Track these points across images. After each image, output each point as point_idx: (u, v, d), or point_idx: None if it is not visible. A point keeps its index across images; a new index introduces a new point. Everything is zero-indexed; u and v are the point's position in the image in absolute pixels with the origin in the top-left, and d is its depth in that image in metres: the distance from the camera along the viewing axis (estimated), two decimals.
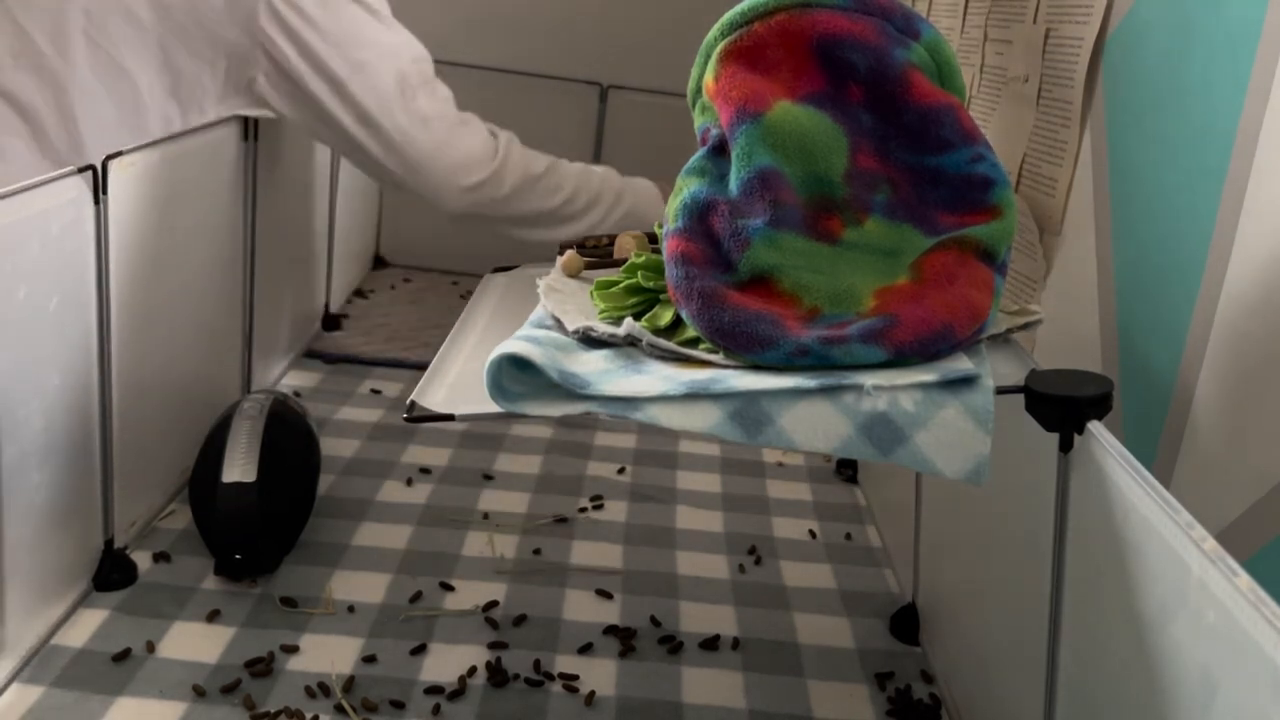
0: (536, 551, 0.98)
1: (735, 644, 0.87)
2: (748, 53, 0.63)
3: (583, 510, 1.07)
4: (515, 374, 0.54)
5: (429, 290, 1.72)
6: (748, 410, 0.53)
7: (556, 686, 0.80)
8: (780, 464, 1.21)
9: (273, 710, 0.74)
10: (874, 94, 0.62)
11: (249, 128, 1.10)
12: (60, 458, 0.78)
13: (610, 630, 0.87)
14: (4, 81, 1.00)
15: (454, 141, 1.20)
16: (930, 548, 0.89)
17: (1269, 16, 0.56)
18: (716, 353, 0.57)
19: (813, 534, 1.06)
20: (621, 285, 0.66)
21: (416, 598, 0.89)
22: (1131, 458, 0.48)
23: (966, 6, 1.04)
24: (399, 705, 0.76)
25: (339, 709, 0.75)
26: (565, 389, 0.54)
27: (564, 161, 1.28)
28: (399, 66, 1.15)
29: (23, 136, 1.01)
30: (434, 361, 0.66)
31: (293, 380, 1.32)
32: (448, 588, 0.91)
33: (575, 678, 0.81)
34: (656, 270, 0.64)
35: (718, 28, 0.65)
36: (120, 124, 1.04)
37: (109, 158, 0.80)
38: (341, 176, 1.48)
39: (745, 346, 0.56)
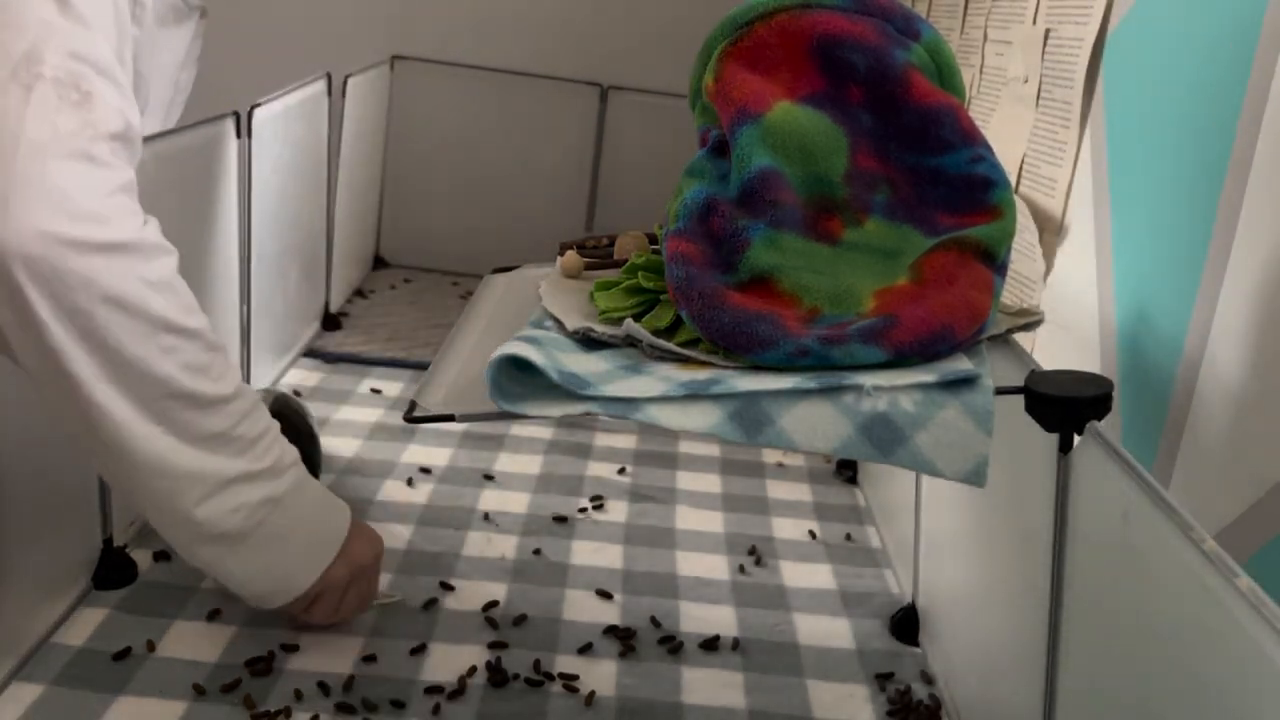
0: (536, 552, 0.98)
1: (735, 644, 0.87)
2: (748, 53, 0.63)
3: (583, 510, 1.07)
4: (515, 374, 0.54)
5: (429, 290, 1.72)
6: (748, 411, 0.53)
7: (556, 686, 0.80)
8: (780, 464, 1.21)
9: (273, 710, 0.74)
10: (874, 94, 0.62)
11: (240, 125, 1.10)
12: (60, 457, 0.78)
13: (610, 630, 0.87)
14: None
15: (67, 168, 0.68)
16: (930, 548, 0.89)
17: (1269, 16, 0.56)
18: (716, 353, 0.57)
19: (813, 534, 1.06)
20: (621, 286, 0.66)
21: (387, 601, 0.89)
22: (1131, 458, 0.48)
23: (966, 7, 1.04)
24: (399, 705, 0.76)
25: (339, 709, 0.75)
26: (565, 389, 0.54)
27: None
28: (28, 49, 0.70)
29: None
30: (434, 361, 0.66)
31: (293, 380, 1.32)
32: (448, 588, 0.91)
33: (575, 678, 0.81)
34: (656, 271, 0.64)
35: (718, 28, 0.65)
36: None
37: None
38: (341, 177, 1.48)
39: (745, 347, 0.56)
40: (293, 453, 0.78)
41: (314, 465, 1.00)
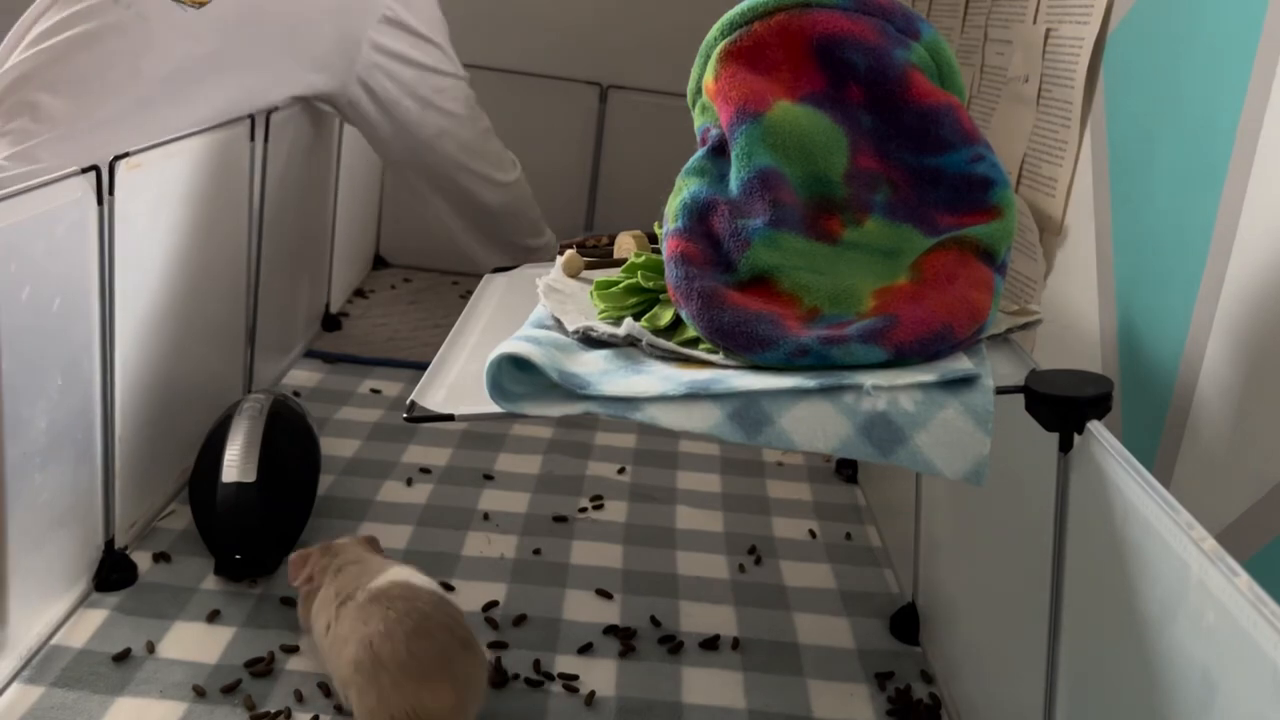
0: (537, 551, 0.98)
1: (735, 644, 0.87)
2: (747, 53, 0.63)
3: (583, 510, 1.07)
4: (515, 374, 0.54)
5: (429, 290, 1.72)
6: (748, 410, 0.53)
7: (556, 686, 0.80)
8: (780, 464, 1.21)
9: (273, 710, 0.74)
10: (874, 94, 0.62)
11: (256, 128, 1.10)
12: (62, 458, 0.78)
13: (610, 630, 0.87)
14: None
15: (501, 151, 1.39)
16: (930, 548, 0.89)
17: (1269, 16, 0.56)
18: (716, 353, 0.57)
19: (813, 534, 1.06)
20: (621, 285, 0.66)
21: None
22: (1131, 458, 0.48)
23: (966, 6, 1.04)
24: None
25: (339, 709, 0.75)
26: (565, 389, 0.54)
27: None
28: (466, 91, 1.36)
29: None
30: (434, 361, 0.66)
31: (293, 380, 1.32)
32: (448, 588, 0.91)
33: (575, 678, 0.81)
34: (656, 270, 0.64)
35: (717, 28, 0.65)
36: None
37: (116, 158, 0.80)
38: (343, 177, 1.49)
39: (745, 347, 0.56)
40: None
41: (314, 465, 1.00)
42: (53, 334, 0.75)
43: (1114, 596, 0.49)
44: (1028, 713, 0.61)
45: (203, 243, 1.03)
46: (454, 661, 0.69)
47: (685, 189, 0.62)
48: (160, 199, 0.91)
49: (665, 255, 0.61)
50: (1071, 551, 0.55)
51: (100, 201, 0.79)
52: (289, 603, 0.86)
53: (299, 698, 0.76)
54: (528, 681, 0.80)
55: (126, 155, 0.82)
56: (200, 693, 0.75)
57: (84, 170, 0.77)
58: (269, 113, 1.13)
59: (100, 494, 0.85)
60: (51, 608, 0.80)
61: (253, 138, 1.10)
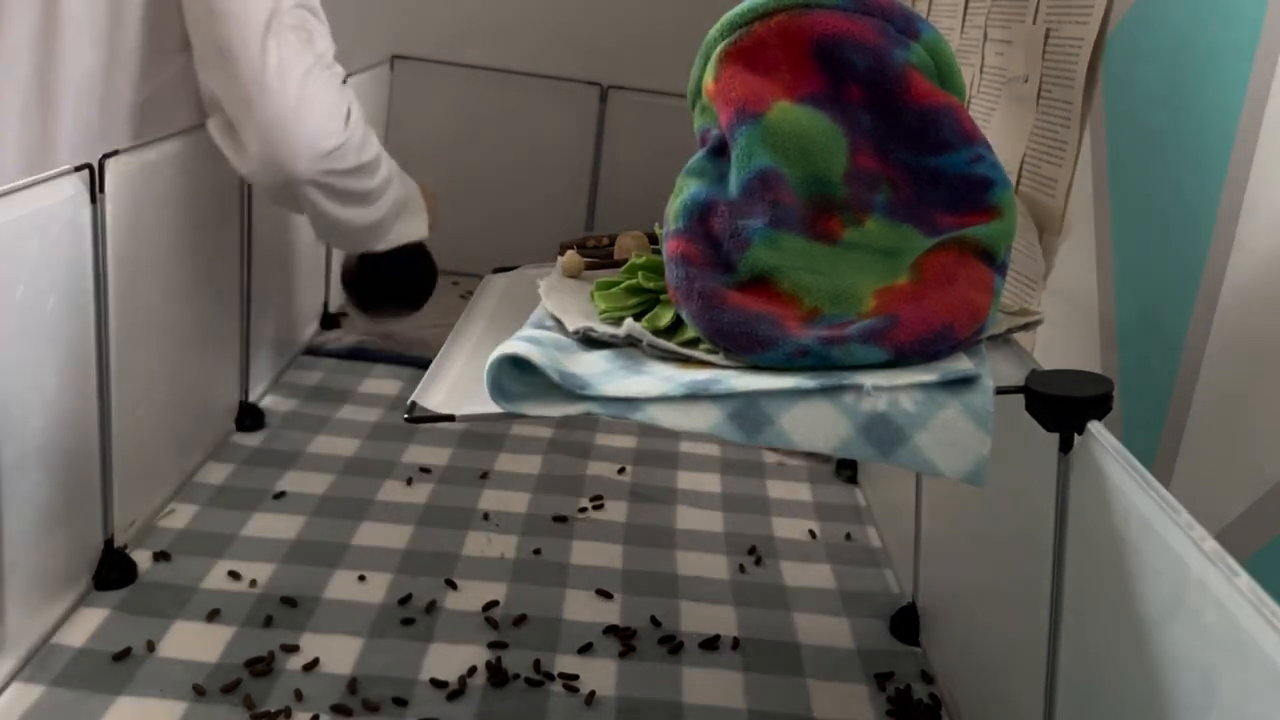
0: (537, 551, 0.98)
1: (735, 644, 0.87)
2: (747, 53, 0.63)
3: (583, 510, 1.07)
4: (515, 374, 0.54)
5: None
6: (748, 411, 0.53)
7: (556, 686, 0.80)
8: (780, 464, 1.21)
9: (273, 710, 0.74)
10: (873, 94, 0.62)
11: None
12: (59, 457, 0.78)
13: (610, 630, 0.87)
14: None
15: (317, 99, 1.03)
16: (930, 548, 0.89)
17: (1269, 16, 0.56)
18: (716, 353, 0.57)
19: (813, 534, 1.06)
20: (622, 286, 0.66)
21: (406, 600, 0.89)
22: (1131, 458, 0.48)
23: (966, 6, 1.04)
24: (400, 704, 0.76)
25: (339, 709, 0.75)
26: (565, 389, 0.54)
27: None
28: (275, 2, 1.02)
29: None
30: (434, 362, 0.66)
31: (292, 379, 1.32)
32: (450, 586, 0.91)
33: (575, 677, 0.81)
34: (656, 271, 0.64)
35: (717, 28, 0.65)
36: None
37: (106, 156, 0.80)
38: None
39: (745, 347, 0.56)
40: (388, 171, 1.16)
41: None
42: (48, 333, 0.75)
43: (1114, 596, 0.49)
44: (1028, 713, 0.61)
45: (197, 240, 1.02)
46: None
47: (685, 190, 0.62)
48: (152, 196, 0.91)
49: (665, 256, 0.61)
50: (1071, 551, 0.55)
51: (93, 200, 0.79)
52: (289, 602, 0.86)
53: (299, 697, 0.76)
54: (528, 681, 0.80)
55: (116, 153, 0.82)
56: (200, 692, 0.75)
57: (76, 169, 0.77)
58: None
59: (99, 493, 0.85)
60: (51, 607, 0.80)
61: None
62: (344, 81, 1.07)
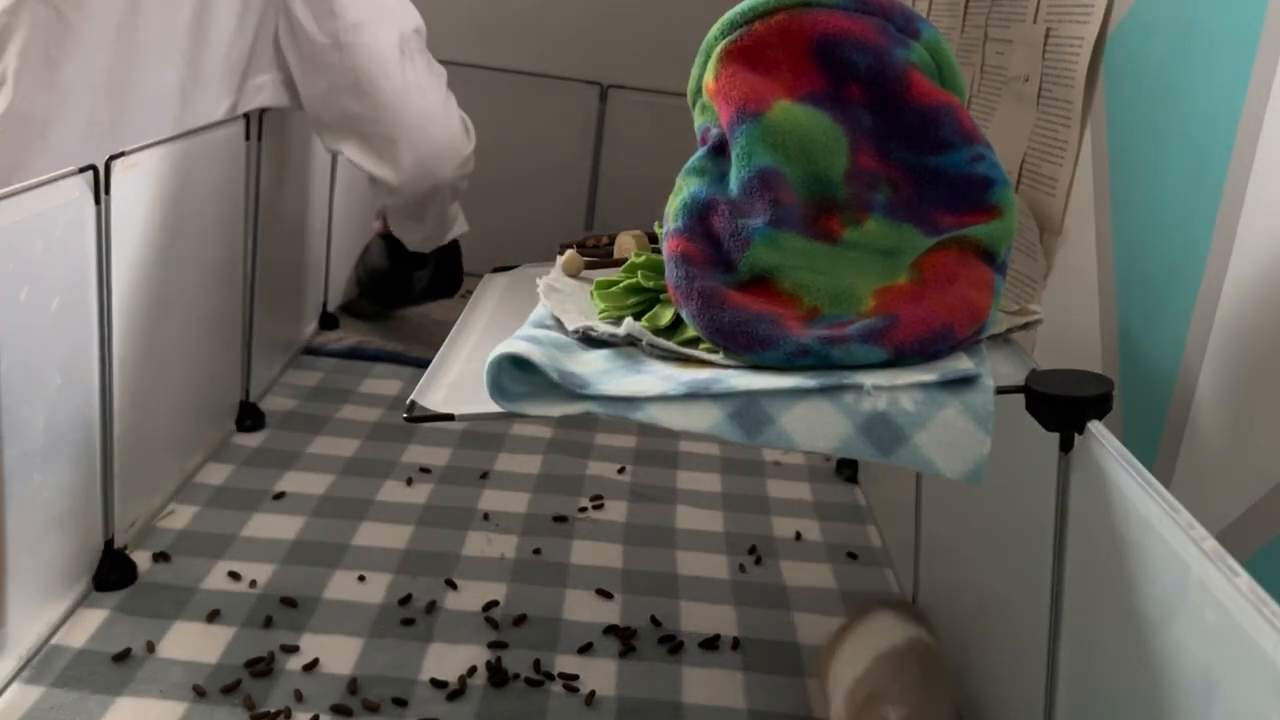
0: (537, 551, 0.98)
1: (735, 644, 0.87)
2: (748, 52, 0.63)
3: (583, 510, 1.07)
4: (515, 374, 0.54)
5: None
6: (748, 410, 0.53)
7: (556, 686, 0.80)
8: (777, 463, 1.21)
9: (273, 710, 0.74)
10: (874, 93, 0.62)
11: (251, 127, 1.10)
12: (61, 458, 0.78)
13: (610, 630, 0.87)
14: None
15: (449, 112, 1.23)
16: (930, 548, 0.89)
17: (1269, 16, 0.56)
18: (716, 352, 0.57)
19: (812, 534, 1.06)
20: (621, 285, 0.66)
21: (406, 600, 0.89)
22: (1131, 458, 0.48)
23: (967, 6, 1.04)
24: (400, 704, 0.76)
25: (339, 709, 0.75)
26: (565, 389, 0.54)
27: None
28: (399, 30, 1.17)
29: None
30: (434, 361, 0.66)
31: (292, 379, 1.32)
32: (450, 585, 0.91)
33: (575, 677, 0.81)
34: (656, 270, 0.64)
35: (718, 27, 0.65)
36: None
37: (112, 158, 0.80)
38: (340, 176, 1.48)
39: (745, 346, 0.56)
40: None
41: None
42: (51, 334, 0.75)
43: (1114, 596, 0.49)
44: (1028, 713, 0.61)
45: (199, 242, 1.03)
46: None
47: (685, 189, 0.62)
48: (156, 198, 0.91)
49: (665, 255, 0.61)
50: (1071, 551, 0.55)
51: (97, 201, 0.79)
52: (289, 603, 0.86)
53: (299, 698, 0.76)
54: (528, 681, 0.80)
55: (123, 155, 0.82)
56: (200, 693, 0.75)
57: (80, 170, 0.77)
58: (263, 112, 1.13)
59: (99, 493, 0.85)
60: (51, 608, 0.80)
61: (248, 136, 1.10)
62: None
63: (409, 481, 1.09)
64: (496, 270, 0.94)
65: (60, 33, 1.03)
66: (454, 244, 1.44)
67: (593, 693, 0.79)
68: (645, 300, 0.65)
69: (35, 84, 1.03)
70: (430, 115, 1.18)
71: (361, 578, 0.91)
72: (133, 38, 1.05)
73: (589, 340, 0.60)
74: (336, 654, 0.81)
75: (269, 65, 1.13)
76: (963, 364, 0.55)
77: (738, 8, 0.64)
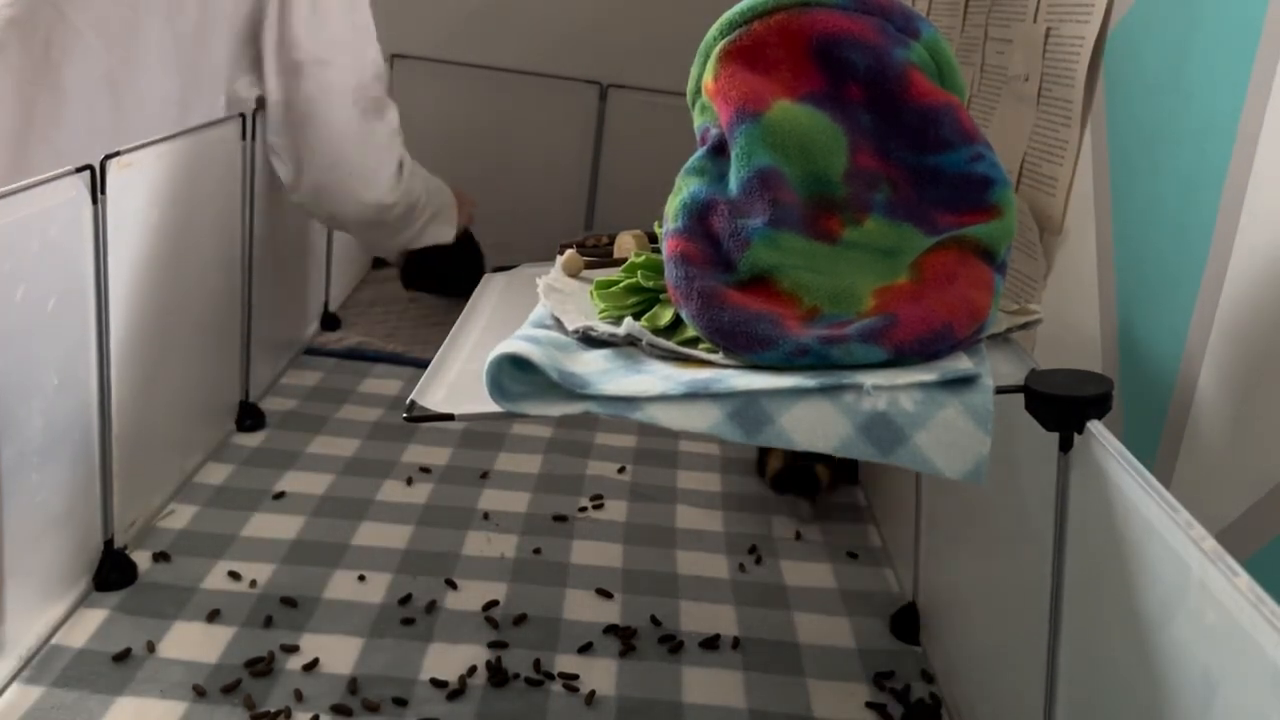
0: (537, 551, 0.98)
1: (735, 643, 0.87)
2: (747, 52, 0.63)
3: (583, 510, 1.07)
4: (515, 373, 0.54)
5: None
6: (747, 410, 0.53)
7: (556, 686, 0.80)
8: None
9: (273, 710, 0.74)
10: (873, 93, 0.62)
11: (247, 126, 1.10)
12: (60, 457, 0.78)
13: (610, 630, 0.87)
14: None
15: (383, 157, 1.24)
16: (930, 548, 0.89)
17: (1269, 16, 0.56)
18: (716, 352, 0.57)
19: (812, 534, 1.06)
20: (621, 285, 0.66)
21: (407, 600, 0.89)
22: (1131, 457, 0.48)
23: (966, 6, 1.04)
24: (400, 704, 0.76)
25: (339, 709, 0.75)
26: (565, 388, 0.54)
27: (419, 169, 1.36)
28: (358, 78, 1.20)
29: None
30: (434, 361, 0.66)
31: (292, 379, 1.32)
32: (450, 585, 0.91)
33: (575, 677, 0.81)
34: (656, 270, 0.64)
35: (717, 27, 0.65)
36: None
37: (107, 157, 0.80)
38: None
39: (745, 346, 0.56)
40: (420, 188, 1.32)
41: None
42: (48, 333, 0.75)
43: (1114, 596, 0.49)
44: (1028, 713, 0.61)
45: (197, 241, 1.03)
46: None
47: (685, 189, 0.62)
48: (153, 197, 0.91)
49: (665, 255, 0.61)
50: (1071, 551, 0.55)
51: (94, 200, 0.79)
52: (289, 602, 0.86)
53: (299, 697, 0.76)
54: (528, 681, 0.80)
55: (118, 154, 0.82)
56: (200, 692, 0.75)
57: (77, 170, 0.77)
58: (255, 110, 1.13)
59: (98, 493, 0.85)
60: (51, 608, 0.80)
61: (244, 136, 1.10)
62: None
63: (409, 481, 1.09)
64: (496, 270, 0.94)
65: (62, 33, 1.03)
66: (471, 244, 1.51)
67: (593, 692, 0.79)
68: (645, 300, 0.65)
69: (36, 83, 1.03)
70: (354, 170, 1.21)
71: (361, 577, 0.91)
72: (134, 41, 1.05)
73: (589, 340, 0.60)
74: (336, 654, 0.81)
75: (251, 69, 1.16)
76: (962, 364, 0.55)
77: (737, 8, 0.64)
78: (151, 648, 0.79)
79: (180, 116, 1.08)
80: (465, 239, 1.50)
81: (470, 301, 0.83)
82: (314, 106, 1.16)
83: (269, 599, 0.87)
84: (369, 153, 1.21)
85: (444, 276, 1.54)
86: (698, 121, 0.66)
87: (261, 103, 1.16)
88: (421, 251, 1.45)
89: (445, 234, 1.41)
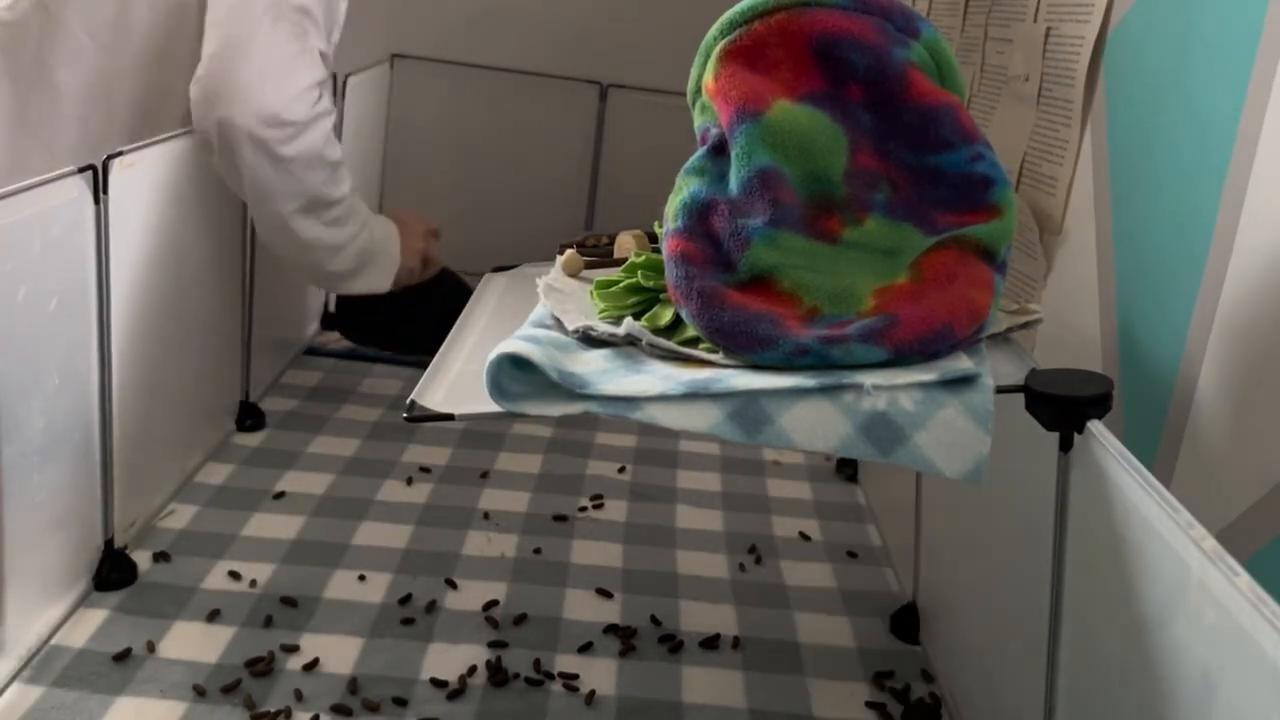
0: (537, 551, 0.98)
1: (735, 643, 0.87)
2: (747, 52, 0.63)
3: (583, 509, 1.07)
4: (515, 373, 0.54)
5: None
6: (747, 410, 0.53)
7: (556, 686, 0.80)
8: (777, 463, 1.21)
9: (273, 710, 0.74)
10: (873, 93, 0.62)
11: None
12: (60, 457, 0.78)
13: (610, 629, 0.87)
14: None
15: (282, 72, 1.01)
16: (930, 547, 0.89)
17: (1269, 16, 0.56)
18: (716, 352, 0.57)
19: (812, 534, 1.06)
20: (621, 285, 0.66)
21: (407, 599, 0.89)
22: (1132, 457, 0.48)
23: (967, 6, 1.04)
24: (400, 704, 0.76)
25: (339, 709, 0.75)
26: (565, 388, 0.54)
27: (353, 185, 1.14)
28: None
29: None
30: (434, 361, 0.66)
31: (292, 378, 1.32)
32: (450, 585, 0.91)
33: (575, 677, 0.81)
34: (656, 270, 0.64)
35: (717, 27, 0.65)
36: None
37: (109, 157, 0.80)
38: None
39: (745, 346, 0.56)
40: (363, 216, 1.15)
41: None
42: (49, 333, 0.75)
43: (1114, 596, 0.49)
44: (1028, 712, 0.61)
45: (198, 241, 1.03)
46: None
47: (685, 188, 0.62)
48: (155, 197, 0.91)
49: (665, 255, 0.61)
50: (1071, 551, 0.55)
51: (96, 200, 0.79)
52: (289, 602, 0.86)
53: (299, 697, 0.76)
54: (528, 681, 0.80)
55: (120, 154, 0.82)
56: (200, 692, 0.75)
57: (80, 170, 0.77)
58: None
59: (99, 493, 0.85)
60: (51, 608, 0.80)
61: None
62: (331, 84, 1.10)
63: (409, 481, 1.09)
64: (496, 270, 0.94)
65: (54, 34, 1.03)
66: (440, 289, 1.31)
67: (593, 692, 0.79)
68: (645, 300, 0.65)
69: (29, 84, 1.03)
70: (252, 62, 1.00)
71: (361, 577, 0.91)
72: (127, 40, 1.05)
73: (589, 340, 0.60)
74: (336, 653, 0.81)
75: None
76: (962, 363, 0.55)
77: (737, 7, 0.64)
78: (151, 648, 0.79)
79: (177, 113, 1.08)
80: (433, 283, 1.30)
81: (470, 301, 0.83)
82: (222, 10, 1.01)
83: (269, 599, 0.87)
84: (266, 54, 1.00)
85: (388, 323, 1.32)
86: (698, 121, 0.66)
87: None
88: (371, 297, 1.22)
89: (376, 282, 1.18)
